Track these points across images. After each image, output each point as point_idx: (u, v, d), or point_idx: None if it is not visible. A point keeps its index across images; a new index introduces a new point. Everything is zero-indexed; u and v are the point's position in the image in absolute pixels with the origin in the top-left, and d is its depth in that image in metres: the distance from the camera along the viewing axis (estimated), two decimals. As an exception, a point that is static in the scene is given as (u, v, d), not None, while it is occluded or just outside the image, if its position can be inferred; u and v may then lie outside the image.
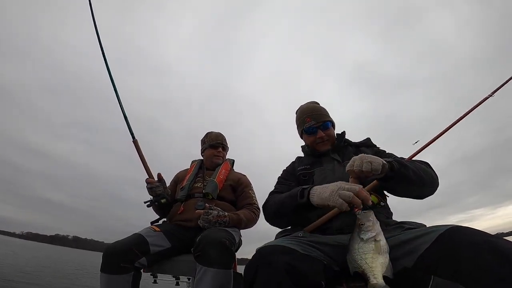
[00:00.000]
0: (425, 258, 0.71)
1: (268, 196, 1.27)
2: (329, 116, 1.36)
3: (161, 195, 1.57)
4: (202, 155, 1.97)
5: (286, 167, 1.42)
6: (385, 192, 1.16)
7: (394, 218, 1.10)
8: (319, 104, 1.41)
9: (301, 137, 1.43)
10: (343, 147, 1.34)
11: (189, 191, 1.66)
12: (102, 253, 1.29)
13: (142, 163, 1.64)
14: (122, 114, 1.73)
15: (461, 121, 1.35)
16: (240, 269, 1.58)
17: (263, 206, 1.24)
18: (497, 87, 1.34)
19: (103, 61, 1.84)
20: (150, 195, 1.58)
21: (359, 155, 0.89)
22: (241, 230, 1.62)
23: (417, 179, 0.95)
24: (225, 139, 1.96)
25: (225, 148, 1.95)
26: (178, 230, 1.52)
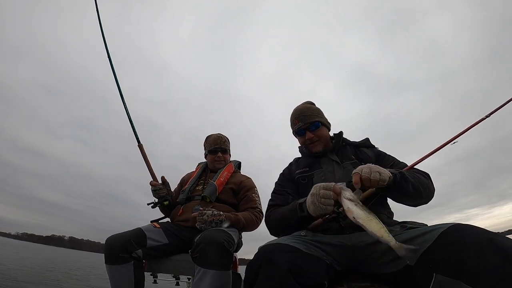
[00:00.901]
0: (427, 256, 0.71)
1: (268, 211, 1.26)
2: (320, 116, 1.32)
3: (164, 197, 1.64)
4: (205, 158, 1.99)
5: (283, 171, 1.40)
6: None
7: (394, 218, 1.12)
8: (313, 104, 1.40)
9: (296, 138, 1.43)
10: (342, 147, 1.32)
11: (189, 194, 1.70)
12: (98, 254, 1.33)
13: (147, 166, 1.71)
14: (128, 119, 1.79)
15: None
16: (242, 269, 1.59)
17: (266, 221, 1.26)
18: (493, 109, 1.34)
19: (109, 64, 1.89)
20: (154, 197, 1.65)
21: (367, 164, 0.90)
22: (242, 233, 1.64)
23: (414, 192, 0.97)
24: (225, 142, 1.93)
25: (225, 151, 1.92)
26: (177, 229, 1.57)
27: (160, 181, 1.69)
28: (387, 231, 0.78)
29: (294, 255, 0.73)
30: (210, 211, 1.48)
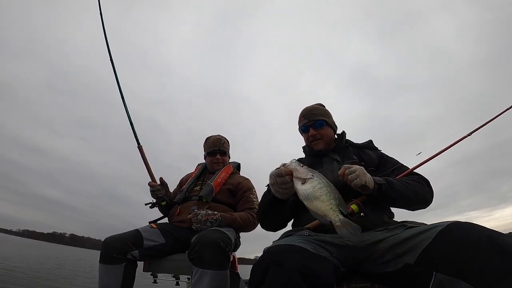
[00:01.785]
0: (427, 254, 0.70)
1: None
2: (325, 116, 1.36)
3: (162, 198, 1.67)
4: (204, 159, 2.01)
5: None
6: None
7: (396, 219, 1.13)
8: (322, 105, 1.44)
9: (303, 137, 1.46)
10: (344, 148, 1.35)
11: (186, 194, 1.72)
12: (99, 252, 1.40)
13: (146, 167, 1.74)
14: (128, 120, 1.82)
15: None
16: (241, 268, 1.60)
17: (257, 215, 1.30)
18: (475, 128, 1.39)
19: (111, 67, 1.91)
20: (153, 197, 1.69)
21: (361, 168, 0.97)
22: (240, 233, 1.66)
23: (403, 200, 1.03)
24: (224, 144, 1.93)
25: (224, 153, 1.92)
26: (174, 229, 1.59)
27: (158, 182, 1.72)
28: (336, 206, 0.81)
29: (302, 256, 0.71)
30: (204, 211, 1.50)
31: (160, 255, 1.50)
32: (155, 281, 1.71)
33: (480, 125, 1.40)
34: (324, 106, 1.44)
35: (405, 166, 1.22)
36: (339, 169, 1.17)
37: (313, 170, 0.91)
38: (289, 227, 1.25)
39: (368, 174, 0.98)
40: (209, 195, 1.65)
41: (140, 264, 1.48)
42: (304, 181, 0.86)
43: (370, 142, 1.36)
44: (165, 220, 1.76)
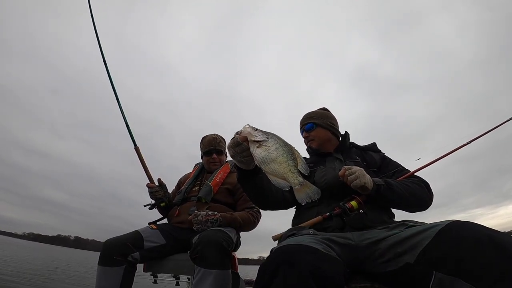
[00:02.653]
0: (427, 253, 0.70)
1: None
2: (317, 119, 1.41)
3: (161, 199, 1.66)
4: (201, 158, 2.00)
5: None
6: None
7: (396, 219, 1.14)
8: (324, 110, 1.49)
9: None
10: (348, 148, 1.39)
11: (185, 195, 1.72)
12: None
13: (144, 169, 1.74)
14: (124, 122, 1.81)
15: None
16: (241, 269, 1.60)
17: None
18: (474, 137, 1.41)
19: (105, 70, 1.90)
20: (151, 198, 1.68)
21: (362, 169, 1.01)
22: (240, 232, 1.65)
23: (400, 202, 1.06)
24: (220, 142, 1.91)
25: (221, 152, 1.90)
26: (174, 230, 1.60)
27: (156, 183, 1.72)
28: (295, 168, 0.77)
29: (314, 257, 0.68)
30: (204, 212, 1.50)
31: (161, 256, 1.50)
32: (155, 281, 1.71)
33: (480, 134, 1.43)
34: (327, 110, 1.49)
35: (406, 169, 1.24)
36: (341, 166, 1.18)
37: (269, 132, 0.85)
38: (289, 225, 1.25)
39: (368, 175, 1.00)
40: (208, 196, 1.65)
41: (140, 264, 1.47)
42: (259, 145, 0.81)
43: (374, 144, 1.41)
44: (165, 220, 1.76)
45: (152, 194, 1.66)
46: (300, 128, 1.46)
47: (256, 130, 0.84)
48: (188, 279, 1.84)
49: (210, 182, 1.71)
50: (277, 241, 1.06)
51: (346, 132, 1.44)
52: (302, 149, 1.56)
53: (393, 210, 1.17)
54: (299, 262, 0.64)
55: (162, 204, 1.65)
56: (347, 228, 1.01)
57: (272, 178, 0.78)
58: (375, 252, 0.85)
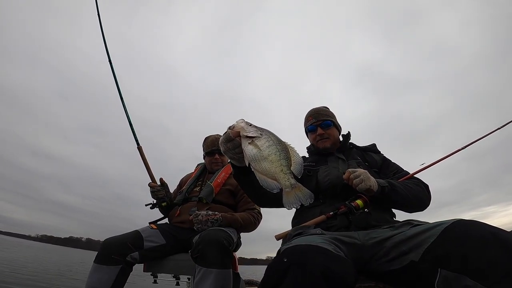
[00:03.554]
0: (432, 252, 0.70)
1: None
2: (332, 117, 1.42)
3: (162, 199, 1.67)
4: (204, 159, 2.01)
5: None
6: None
7: (400, 218, 1.15)
8: (327, 108, 1.49)
9: (307, 137, 1.50)
10: (349, 149, 1.39)
11: (186, 195, 1.72)
12: None
13: (146, 168, 1.75)
14: (127, 121, 1.84)
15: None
16: (241, 269, 1.59)
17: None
18: (469, 142, 1.42)
19: (111, 71, 1.94)
20: (153, 198, 1.69)
21: (365, 171, 1.03)
22: (240, 233, 1.64)
23: (403, 202, 1.09)
24: None
25: None
26: (175, 230, 1.59)
27: (158, 183, 1.72)
28: (288, 168, 0.73)
29: (325, 257, 0.66)
30: (205, 212, 1.50)
31: (161, 256, 1.49)
32: (155, 281, 1.71)
33: (475, 139, 1.45)
34: (328, 108, 1.48)
35: (406, 170, 1.28)
36: (344, 167, 1.22)
37: (264, 128, 0.81)
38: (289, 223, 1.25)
39: (372, 178, 1.02)
40: (209, 196, 1.64)
41: (139, 265, 1.46)
42: (252, 141, 0.76)
43: (374, 145, 1.43)
44: (165, 220, 1.76)
45: (153, 193, 1.67)
46: (312, 124, 1.40)
47: (250, 125, 0.81)
48: (188, 279, 1.84)
49: (211, 182, 1.71)
50: (280, 240, 1.06)
51: (348, 132, 1.45)
52: (301, 149, 1.56)
53: (393, 210, 1.18)
54: (311, 263, 0.63)
55: (163, 204, 1.66)
56: (352, 227, 1.01)
57: (261, 177, 0.75)
58: (380, 251, 0.84)
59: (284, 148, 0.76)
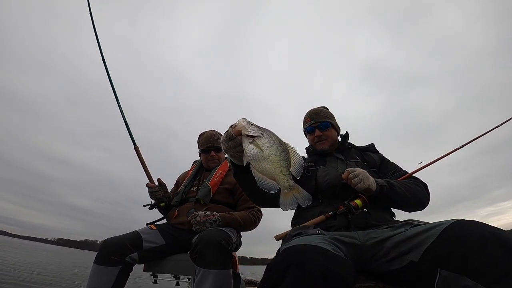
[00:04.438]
0: (431, 252, 0.70)
1: None
2: (331, 118, 1.41)
3: (161, 199, 1.65)
4: (199, 156, 1.97)
5: None
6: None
7: (399, 218, 1.14)
8: (326, 108, 1.48)
9: (306, 138, 1.49)
10: (347, 149, 1.40)
11: (183, 196, 1.69)
12: None
13: (143, 168, 1.73)
14: (123, 122, 1.81)
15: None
16: (241, 269, 1.56)
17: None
18: (466, 141, 1.45)
19: (105, 72, 1.90)
20: (151, 198, 1.67)
21: (365, 171, 1.03)
22: (240, 232, 1.63)
23: (402, 202, 1.09)
24: (218, 139, 1.81)
25: (219, 149, 1.82)
26: (174, 230, 1.58)
27: (156, 183, 1.71)
28: (287, 169, 0.73)
29: (325, 258, 0.66)
30: (203, 212, 1.48)
31: (160, 257, 1.49)
32: (155, 281, 1.71)
33: (472, 138, 1.46)
34: (328, 109, 1.48)
35: (404, 170, 1.29)
36: (343, 167, 1.21)
37: (265, 128, 0.81)
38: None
39: (371, 177, 1.03)
40: (207, 197, 1.61)
41: (139, 265, 1.46)
42: (253, 140, 0.77)
43: (372, 145, 1.43)
44: (165, 220, 1.74)
45: (152, 194, 1.65)
46: (310, 126, 1.40)
47: (252, 124, 0.81)
48: (188, 279, 1.83)
49: (208, 182, 1.67)
50: (280, 241, 1.06)
51: (346, 132, 1.45)
52: (300, 149, 1.53)
53: (393, 210, 1.18)
54: (310, 263, 0.63)
55: (162, 204, 1.64)
56: (351, 227, 1.01)
57: (260, 177, 0.75)
58: (379, 251, 0.84)
59: (284, 149, 0.76)
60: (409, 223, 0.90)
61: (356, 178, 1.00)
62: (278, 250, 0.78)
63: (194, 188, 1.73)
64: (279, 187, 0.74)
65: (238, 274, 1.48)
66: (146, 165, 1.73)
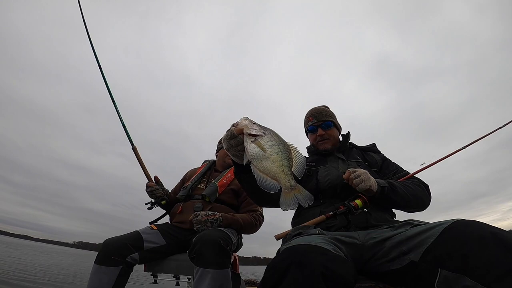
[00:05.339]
0: (431, 252, 0.70)
1: None
2: (333, 118, 1.41)
3: (161, 197, 1.66)
4: (216, 155, 1.98)
5: None
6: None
7: (400, 218, 1.14)
8: (328, 107, 1.48)
9: (307, 137, 1.49)
10: (348, 149, 1.39)
11: (189, 192, 1.69)
12: None
13: (142, 168, 1.73)
14: (120, 123, 1.80)
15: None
16: (242, 269, 1.58)
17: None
18: (469, 142, 1.44)
19: (101, 73, 1.90)
20: (151, 198, 1.67)
21: (366, 171, 1.03)
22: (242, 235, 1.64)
23: (403, 203, 1.09)
24: None
25: None
26: (175, 230, 1.58)
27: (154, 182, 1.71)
28: (289, 169, 0.72)
29: (325, 258, 0.66)
30: (204, 212, 1.49)
31: (161, 257, 1.48)
32: (155, 281, 1.71)
33: (475, 139, 1.45)
34: (329, 108, 1.48)
35: (406, 170, 1.28)
36: (344, 167, 1.21)
37: (267, 127, 0.81)
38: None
39: (372, 178, 1.03)
40: (213, 195, 1.62)
41: (140, 265, 1.46)
42: (255, 139, 0.76)
43: (373, 145, 1.42)
44: (165, 220, 1.75)
45: (152, 192, 1.65)
46: (312, 125, 1.39)
47: (254, 123, 0.81)
48: (189, 279, 1.83)
49: (217, 182, 1.68)
50: (280, 240, 1.06)
51: (348, 132, 1.45)
52: (302, 149, 1.51)
53: (393, 210, 1.18)
54: (311, 263, 0.62)
55: (163, 202, 1.65)
56: (352, 227, 1.00)
57: (261, 176, 0.74)
58: (380, 251, 0.83)
59: (286, 149, 0.76)
60: (409, 223, 0.90)
61: (357, 179, 0.99)
62: (279, 250, 0.78)
63: (202, 186, 1.74)
64: (280, 187, 0.73)
65: (238, 274, 1.49)
66: (145, 165, 1.73)
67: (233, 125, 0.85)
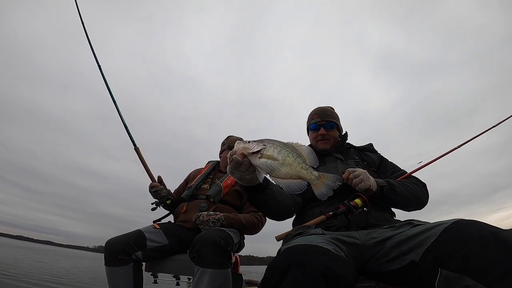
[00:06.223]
0: (432, 251, 0.70)
1: None
2: (337, 120, 1.42)
3: (166, 197, 1.66)
4: (219, 157, 1.99)
5: None
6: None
7: (400, 217, 1.15)
8: (333, 109, 1.49)
9: (308, 135, 1.49)
10: (346, 149, 1.41)
11: (194, 192, 1.69)
12: None
13: (145, 169, 1.73)
14: (122, 124, 1.81)
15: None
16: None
17: None
18: (465, 140, 1.45)
19: (102, 77, 1.92)
20: (155, 198, 1.67)
21: (365, 171, 1.03)
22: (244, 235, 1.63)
23: (402, 202, 1.10)
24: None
25: None
26: (178, 229, 1.58)
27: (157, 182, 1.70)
28: (306, 164, 0.75)
29: (326, 258, 0.65)
30: (206, 212, 1.50)
31: (163, 256, 1.48)
32: (155, 281, 1.70)
33: (471, 137, 1.47)
34: (334, 109, 1.49)
35: (403, 170, 1.30)
36: (343, 167, 1.22)
37: (263, 139, 0.81)
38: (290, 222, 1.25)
39: (372, 178, 1.03)
40: (217, 196, 1.63)
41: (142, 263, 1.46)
42: (260, 155, 0.76)
43: (371, 145, 1.44)
44: (169, 219, 1.75)
45: (156, 193, 1.65)
46: (316, 123, 1.39)
47: (249, 142, 0.81)
48: (189, 279, 1.83)
49: (221, 182, 1.69)
50: (281, 241, 1.06)
51: (346, 132, 1.46)
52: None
53: (393, 209, 1.19)
54: (311, 263, 0.62)
55: (168, 202, 1.65)
56: (352, 227, 1.01)
57: (285, 183, 0.75)
58: (380, 251, 0.84)
59: (293, 148, 0.77)
60: (409, 223, 0.91)
61: (357, 179, 1.00)
62: (279, 250, 0.79)
63: (206, 186, 1.74)
64: (307, 183, 0.76)
65: (240, 274, 1.49)
66: (148, 165, 1.73)
67: (231, 154, 0.83)
